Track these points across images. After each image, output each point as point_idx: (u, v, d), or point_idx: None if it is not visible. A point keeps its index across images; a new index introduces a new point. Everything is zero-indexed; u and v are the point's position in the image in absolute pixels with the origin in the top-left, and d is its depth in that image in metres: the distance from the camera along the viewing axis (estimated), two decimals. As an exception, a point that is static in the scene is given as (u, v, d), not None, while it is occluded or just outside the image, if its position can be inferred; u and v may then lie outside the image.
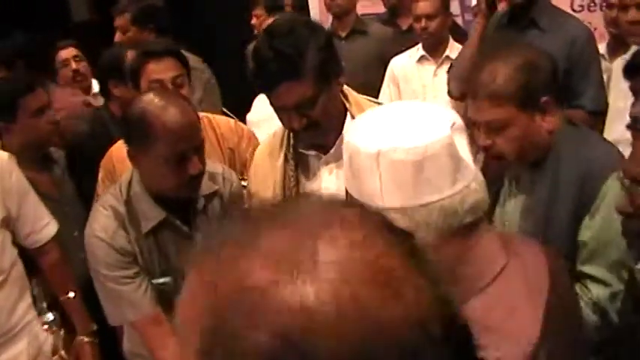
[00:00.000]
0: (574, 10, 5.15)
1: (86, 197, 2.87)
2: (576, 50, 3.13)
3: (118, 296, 2.15)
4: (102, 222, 2.14)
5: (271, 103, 2.05)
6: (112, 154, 2.70)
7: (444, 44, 4.00)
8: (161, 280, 2.17)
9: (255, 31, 5.32)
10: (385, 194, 1.19)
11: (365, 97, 2.25)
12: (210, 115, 2.79)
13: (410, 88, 4.01)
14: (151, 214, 2.13)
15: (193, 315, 0.58)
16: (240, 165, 2.62)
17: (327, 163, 2.15)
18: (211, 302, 0.57)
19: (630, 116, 2.15)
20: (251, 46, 5.13)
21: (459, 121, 1.27)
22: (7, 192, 2.37)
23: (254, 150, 2.58)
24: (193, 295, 0.60)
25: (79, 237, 2.69)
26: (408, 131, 1.21)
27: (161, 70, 2.65)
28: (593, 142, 2.10)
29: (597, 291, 1.91)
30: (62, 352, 2.38)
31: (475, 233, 1.25)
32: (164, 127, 2.01)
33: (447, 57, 3.92)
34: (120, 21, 4.40)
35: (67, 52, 4.32)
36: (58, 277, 2.51)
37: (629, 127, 2.13)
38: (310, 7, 6.89)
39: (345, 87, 2.16)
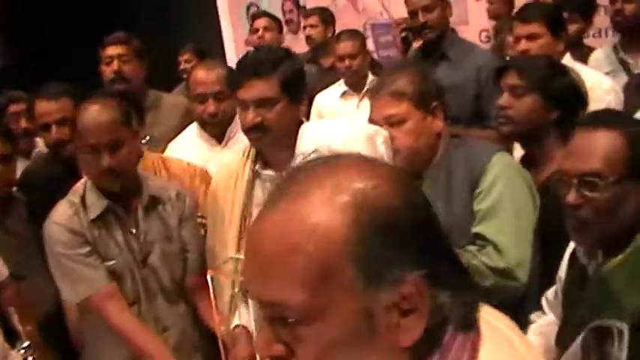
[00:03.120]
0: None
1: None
2: (483, 76, 3.47)
3: (73, 274, 2.44)
4: (59, 210, 2.48)
5: (238, 101, 2.35)
6: None
7: (364, 79, 4.30)
8: (110, 263, 2.46)
9: (185, 75, 5.51)
10: None
11: None
12: (164, 156, 3.00)
13: (336, 121, 4.29)
14: (97, 203, 2.46)
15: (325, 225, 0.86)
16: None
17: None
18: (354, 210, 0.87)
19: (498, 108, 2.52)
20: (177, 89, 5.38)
21: None
22: None
23: (207, 187, 2.80)
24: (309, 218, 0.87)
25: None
26: None
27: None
28: (476, 144, 2.41)
29: (486, 250, 2.16)
30: None
31: None
32: (81, 122, 2.42)
33: (368, 90, 4.16)
34: None
35: (19, 107, 4.09)
36: (17, 311, 2.60)
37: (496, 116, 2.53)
38: (226, 48, 7.15)
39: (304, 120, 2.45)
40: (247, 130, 2.35)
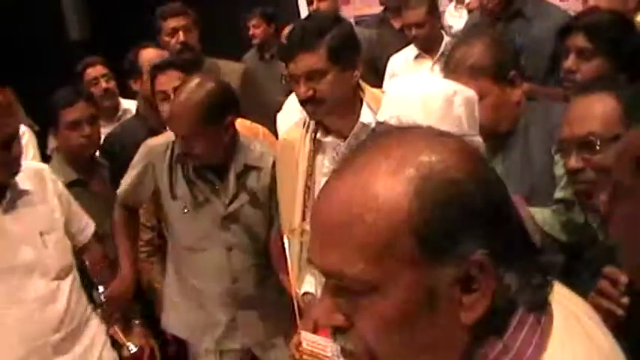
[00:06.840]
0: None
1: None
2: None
3: None
4: None
5: (289, 75, 2.35)
6: None
7: (437, 43, 4.17)
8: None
9: (256, 40, 5.57)
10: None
11: (380, 90, 2.53)
12: None
13: (409, 84, 4.22)
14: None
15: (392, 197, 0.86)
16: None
17: (347, 148, 2.37)
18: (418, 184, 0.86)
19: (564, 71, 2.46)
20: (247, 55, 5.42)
21: None
22: (61, 198, 2.54)
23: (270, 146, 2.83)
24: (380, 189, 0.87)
25: None
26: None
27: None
28: (553, 106, 2.31)
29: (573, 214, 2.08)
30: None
31: None
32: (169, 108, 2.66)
33: (443, 53, 4.03)
34: None
35: (96, 70, 4.29)
36: (100, 272, 2.70)
37: (562, 80, 2.46)
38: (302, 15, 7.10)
39: (361, 81, 2.41)
40: (301, 103, 2.35)
